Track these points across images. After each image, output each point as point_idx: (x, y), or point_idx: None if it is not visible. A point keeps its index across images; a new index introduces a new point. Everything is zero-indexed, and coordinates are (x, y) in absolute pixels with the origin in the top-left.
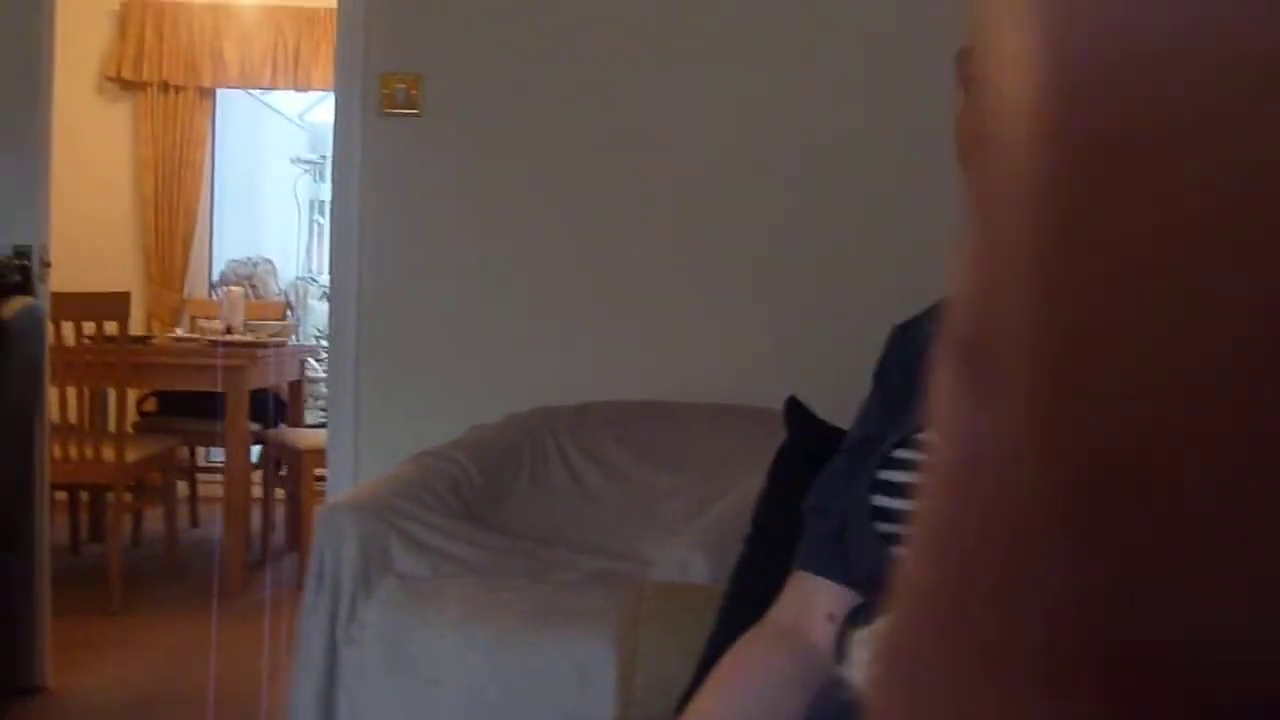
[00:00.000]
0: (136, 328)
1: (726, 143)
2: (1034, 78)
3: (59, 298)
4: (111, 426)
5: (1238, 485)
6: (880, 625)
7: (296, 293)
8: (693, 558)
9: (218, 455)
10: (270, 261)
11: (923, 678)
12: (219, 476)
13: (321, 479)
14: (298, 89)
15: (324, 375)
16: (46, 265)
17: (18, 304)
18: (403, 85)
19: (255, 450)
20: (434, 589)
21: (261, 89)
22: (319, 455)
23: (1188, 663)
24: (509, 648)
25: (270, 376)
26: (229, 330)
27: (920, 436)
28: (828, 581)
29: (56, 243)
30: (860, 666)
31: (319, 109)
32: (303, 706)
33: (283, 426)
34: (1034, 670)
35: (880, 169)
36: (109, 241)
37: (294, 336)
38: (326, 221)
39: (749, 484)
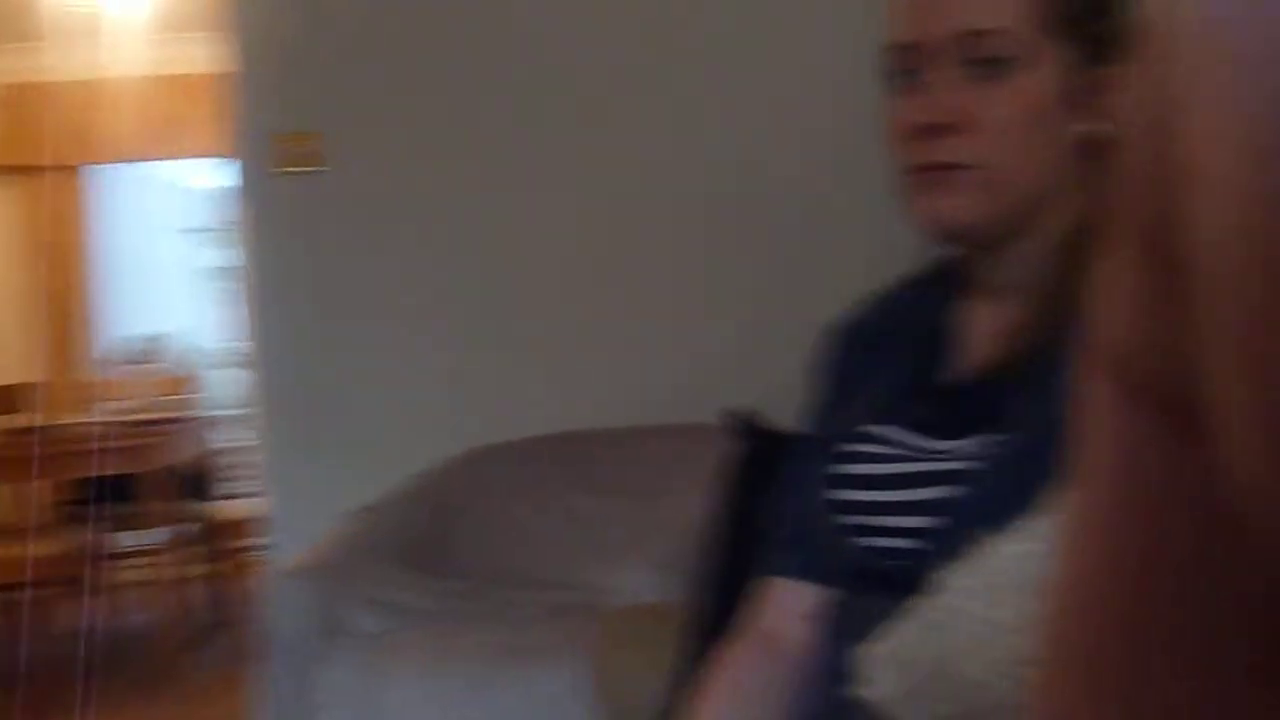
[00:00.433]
0: (38, 417)
1: (631, 172)
2: (1244, 179)
3: None
4: (28, 522)
5: None
6: (899, 644)
7: (196, 363)
8: (649, 578)
9: (133, 539)
10: (167, 335)
11: (1110, 677)
12: (138, 560)
13: (246, 550)
14: (176, 157)
15: (233, 446)
16: None
17: None
18: (301, 142)
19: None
20: (395, 643)
21: (139, 161)
22: (241, 526)
23: None
24: (478, 691)
25: (184, 451)
26: (139, 410)
27: (871, 429)
28: (797, 583)
29: None
30: (886, 685)
31: (199, 177)
32: None
33: (202, 501)
34: (1245, 663)
35: (795, 187)
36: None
37: (205, 408)
38: (218, 288)
39: (689, 500)
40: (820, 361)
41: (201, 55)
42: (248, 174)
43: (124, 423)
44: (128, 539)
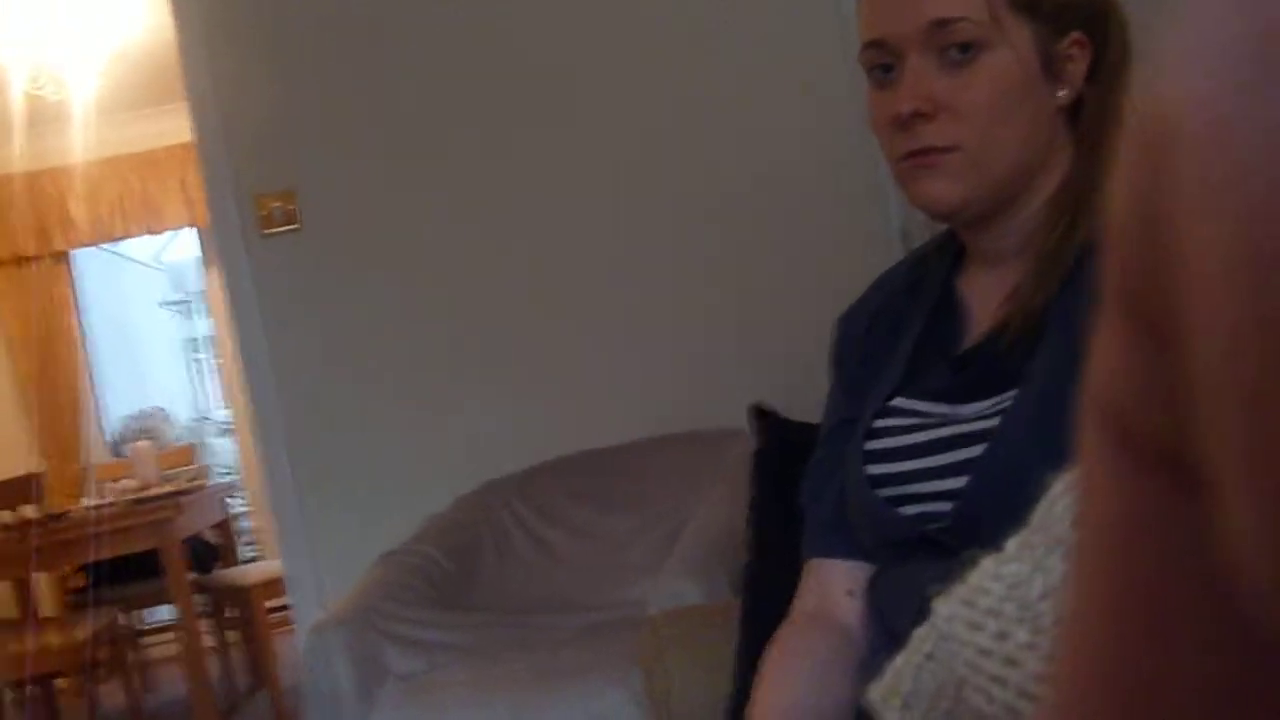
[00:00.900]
0: (46, 507)
1: (603, 198)
2: (1238, 275)
3: None
4: (47, 611)
5: None
6: (898, 679)
7: (195, 434)
8: (683, 585)
9: (155, 616)
10: (163, 409)
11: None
12: (165, 636)
13: (274, 611)
14: (152, 232)
15: (245, 510)
16: None
17: None
18: (278, 203)
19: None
20: (436, 681)
21: (116, 240)
22: (266, 588)
23: None
24: (526, 717)
25: (197, 522)
26: (145, 486)
27: (893, 404)
28: (839, 561)
29: None
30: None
31: (173, 248)
32: None
33: (218, 570)
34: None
35: (779, 189)
36: None
37: (210, 477)
38: (206, 357)
39: (709, 503)
40: (836, 348)
41: (161, 129)
42: (229, 238)
43: (134, 501)
44: (153, 615)
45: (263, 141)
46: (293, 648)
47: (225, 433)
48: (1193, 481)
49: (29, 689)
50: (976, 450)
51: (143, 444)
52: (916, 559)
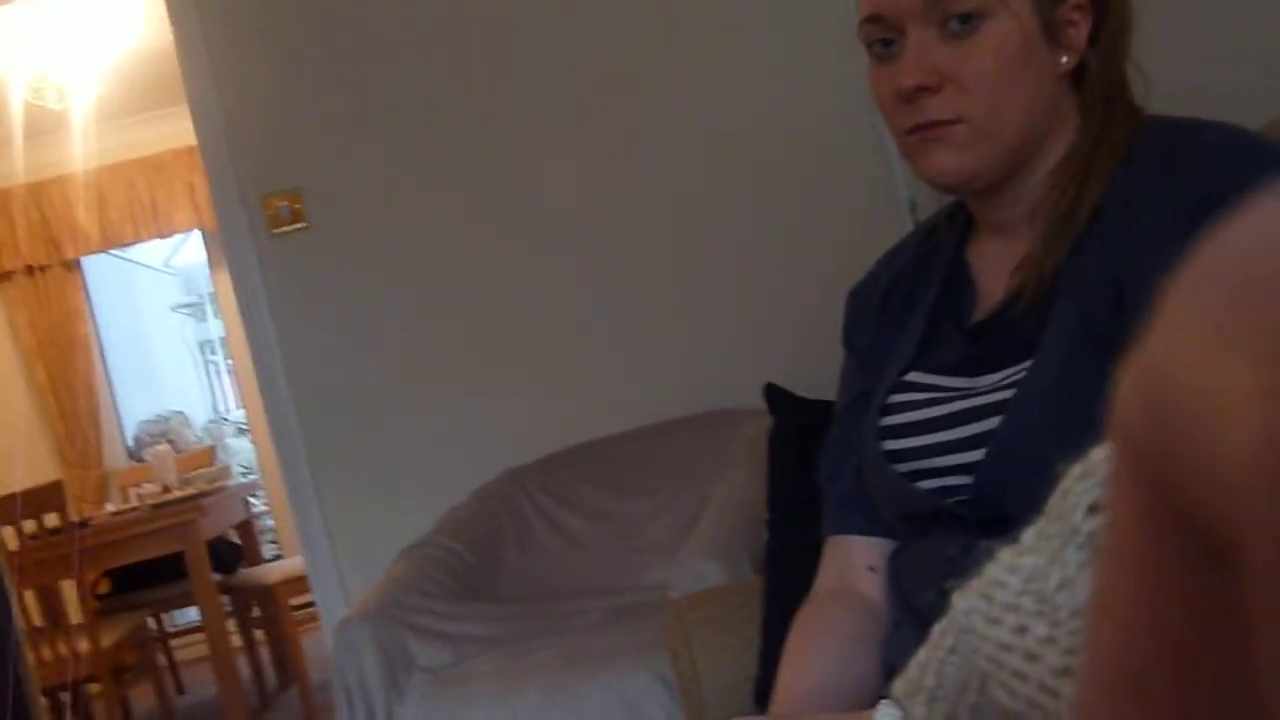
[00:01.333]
0: (71, 514)
1: (607, 185)
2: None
3: None
4: (74, 617)
5: None
6: (921, 674)
7: (213, 435)
8: (705, 566)
9: (182, 618)
10: (181, 412)
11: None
12: (192, 638)
13: (299, 608)
14: (161, 236)
15: (265, 510)
16: None
17: None
18: (285, 202)
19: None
20: (465, 672)
21: (125, 246)
22: (290, 586)
23: None
24: (557, 703)
25: (219, 523)
26: (166, 489)
27: (908, 379)
28: (859, 537)
29: None
30: (917, 717)
31: (183, 252)
32: None
33: (242, 569)
34: None
35: (774, 176)
36: (13, 438)
37: (230, 478)
38: (220, 359)
39: (728, 484)
40: (847, 324)
41: (165, 133)
42: (238, 240)
43: (156, 505)
44: (182, 617)
45: (267, 141)
46: (320, 644)
47: (242, 433)
48: (1219, 543)
49: (61, 695)
50: (993, 422)
51: (162, 448)
52: (937, 533)
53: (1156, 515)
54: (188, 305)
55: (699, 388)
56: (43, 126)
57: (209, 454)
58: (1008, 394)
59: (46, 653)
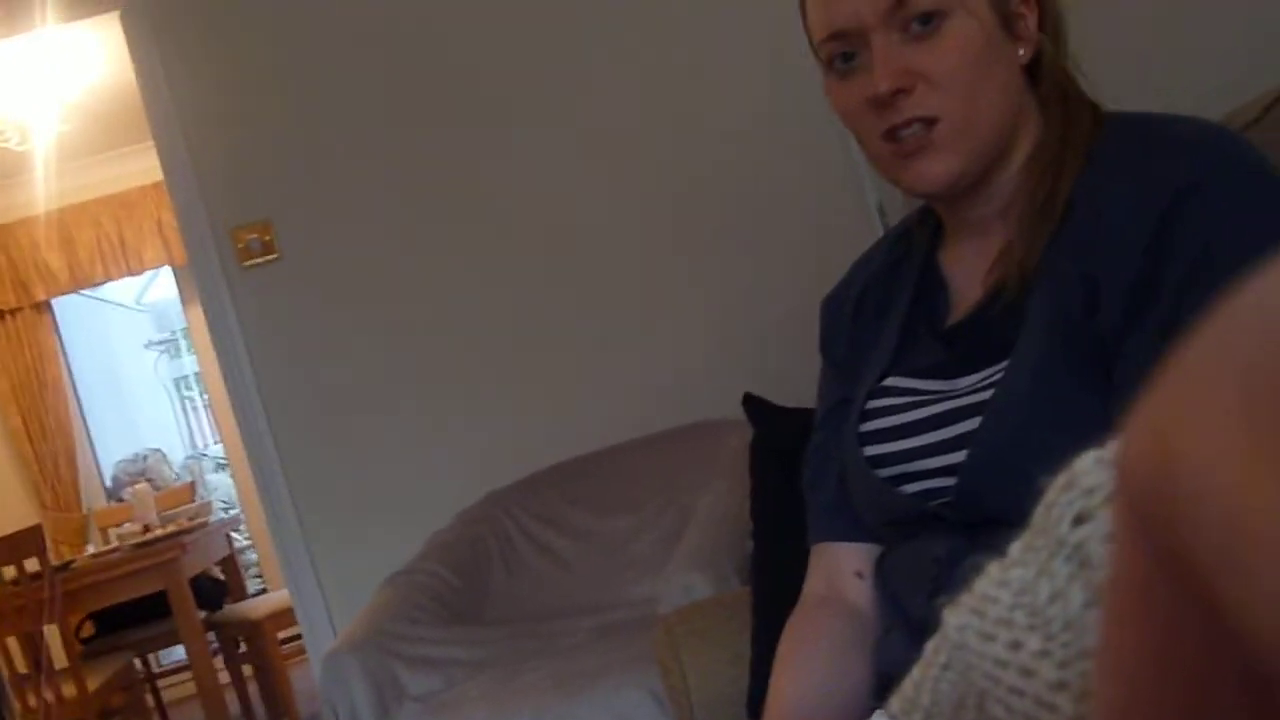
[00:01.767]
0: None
1: (573, 207)
2: None
3: None
4: (60, 662)
5: None
6: (916, 691)
7: (192, 472)
8: (692, 579)
9: (169, 657)
10: (159, 450)
11: None
12: (180, 677)
13: (286, 642)
14: (132, 274)
15: (248, 544)
16: None
17: None
18: (255, 235)
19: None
20: (455, 698)
21: (96, 285)
22: (276, 620)
23: None
24: None
25: (202, 560)
26: (146, 529)
27: (886, 384)
28: (844, 544)
29: None
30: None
31: (154, 288)
32: None
33: (227, 605)
34: None
35: (742, 187)
36: None
37: (211, 514)
38: (196, 394)
39: (711, 495)
40: (823, 332)
41: (131, 170)
42: (205, 274)
43: (137, 545)
44: (169, 656)
45: (234, 173)
46: (308, 677)
47: (221, 468)
48: (1220, 599)
49: None
50: (974, 423)
51: (141, 486)
52: (922, 536)
53: (1162, 577)
54: (161, 342)
55: (678, 401)
56: (6, 168)
57: (189, 491)
58: (986, 394)
59: (32, 699)
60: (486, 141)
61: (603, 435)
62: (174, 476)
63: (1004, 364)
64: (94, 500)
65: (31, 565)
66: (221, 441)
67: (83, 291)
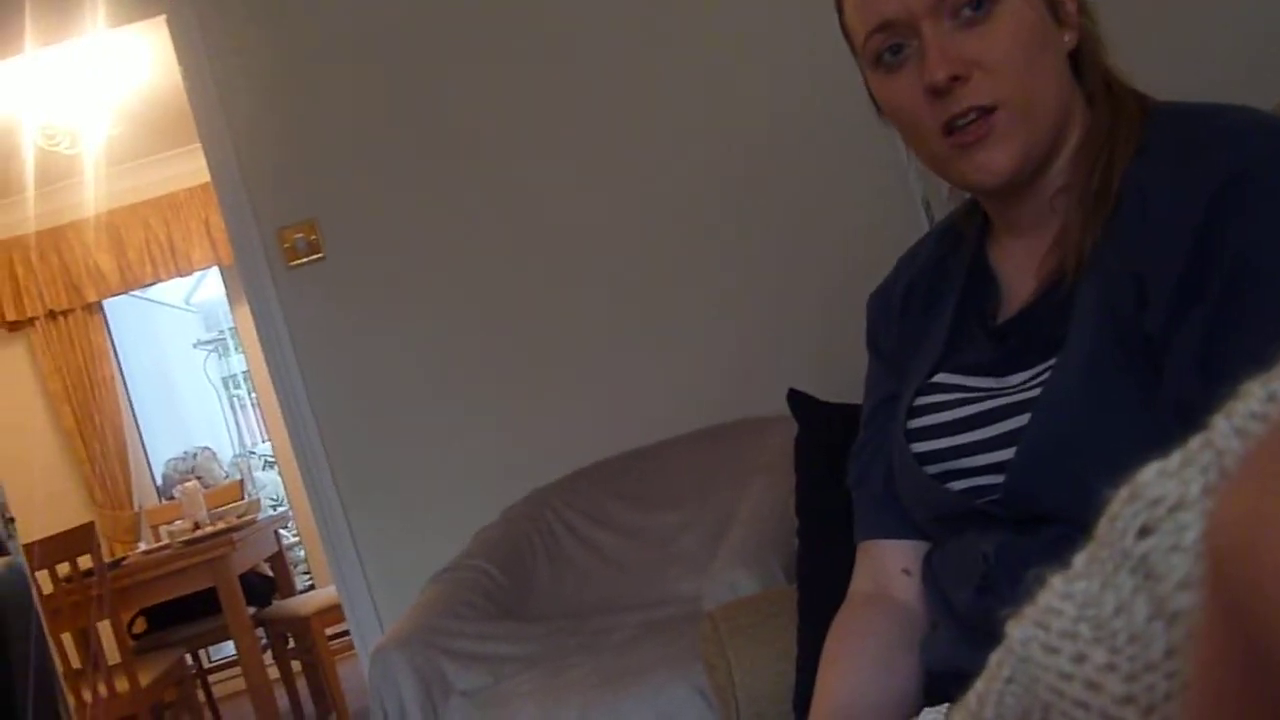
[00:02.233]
0: (103, 555)
1: (621, 201)
2: None
3: (26, 549)
4: (113, 658)
5: None
6: (979, 704)
7: (241, 470)
8: (738, 576)
9: (219, 653)
10: (208, 448)
11: None
12: (230, 672)
13: (334, 638)
14: (180, 275)
15: (296, 541)
16: (10, 520)
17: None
18: (301, 234)
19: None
20: (503, 693)
21: (145, 286)
22: (325, 616)
23: None
24: (598, 717)
25: (251, 557)
26: (196, 526)
27: (934, 381)
28: (892, 541)
29: None
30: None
31: (203, 289)
32: None
33: (276, 601)
34: None
35: (787, 181)
36: (44, 483)
37: (260, 511)
38: (244, 393)
39: (756, 492)
40: (870, 328)
41: (179, 171)
42: (252, 274)
43: (187, 542)
44: (220, 651)
45: (280, 174)
46: (357, 673)
47: (270, 465)
48: None
49: None
50: (1023, 420)
51: (190, 484)
52: (970, 532)
53: (1246, 654)
54: (210, 341)
55: (723, 397)
56: (57, 172)
57: (238, 488)
58: (1036, 392)
59: (87, 694)
60: (536, 142)
61: (647, 432)
62: (223, 474)
63: (1053, 361)
64: (145, 498)
65: (84, 562)
66: (270, 439)
67: (133, 292)
